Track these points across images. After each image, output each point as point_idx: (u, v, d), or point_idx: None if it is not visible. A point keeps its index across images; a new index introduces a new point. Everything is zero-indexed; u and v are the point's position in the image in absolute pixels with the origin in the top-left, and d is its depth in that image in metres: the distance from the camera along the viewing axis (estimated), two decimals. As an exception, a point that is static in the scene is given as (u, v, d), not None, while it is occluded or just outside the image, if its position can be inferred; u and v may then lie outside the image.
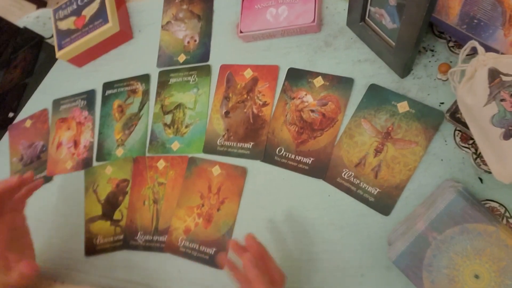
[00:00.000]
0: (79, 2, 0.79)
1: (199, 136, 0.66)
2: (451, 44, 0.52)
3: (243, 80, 0.65)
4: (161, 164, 0.68)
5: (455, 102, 0.47)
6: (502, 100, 0.39)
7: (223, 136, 0.64)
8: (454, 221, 0.43)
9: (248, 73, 0.65)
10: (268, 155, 0.60)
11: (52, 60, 0.87)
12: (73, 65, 0.83)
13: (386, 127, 0.53)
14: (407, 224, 0.47)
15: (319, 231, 0.54)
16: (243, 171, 0.61)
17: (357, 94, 0.56)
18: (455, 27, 0.47)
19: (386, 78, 0.55)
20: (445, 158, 0.49)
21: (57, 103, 0.83)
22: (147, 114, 0.72)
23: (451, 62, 0.52)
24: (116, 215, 0.69)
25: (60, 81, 0.85)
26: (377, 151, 0.53)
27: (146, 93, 0.74)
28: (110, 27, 0.75)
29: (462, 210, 0.43)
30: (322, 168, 0.56)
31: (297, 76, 0.61)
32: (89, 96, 0.80)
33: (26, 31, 0.91)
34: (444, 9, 0.47)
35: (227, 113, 0.65)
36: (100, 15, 0.76)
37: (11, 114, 0.89)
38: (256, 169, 0.61)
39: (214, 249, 0.60)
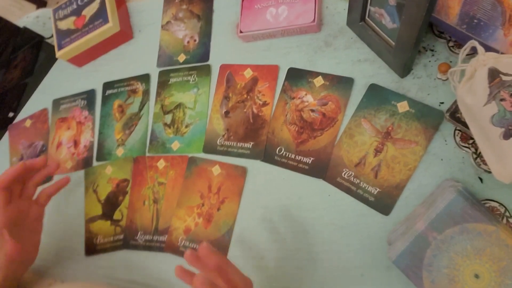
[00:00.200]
0: (79, 2, 0.79)
1: (199, 136, 0.66)
2: (451, 44, 0.52)
3: (243, 80, 0.65)
4: (161, 164, 0.68)
5: (455, 101, 0.47)
6: (502, 99, 0.39)
7: (223, 136, 0.64)
8: (454, 221, 0.43)
9: (248, 73, 0.65)
10: (268, 155, 0.60)
11: (52, 60, 0.87)
12: (73, 65, 0.83)
13: (386, 126, 0.53)
14: (407, 224, 0.47)
15: (319, 231, 0.54)
16: (243, 171, 0.61)
17: (357, 94, 0.56)
18: (455, 27, 0.47)
19: (386, 78, 0.55)
20: (445, 157, 0.49)
21: (57, 103, 0.83)
22: (147, 114, 0.72)
23: (451, 62, 0.52)
24: (116, 215, 0.69)
25: (60, 81, 0.85)
26: (377, 151, 0.53)
27: (146, 93, 0.74)
28: (110, 27, 0.75)
29: (462, 209, 0.43)
30: (322, 168, 0.56)
31: (297, 76, 0.61)
32: (89, 96, 0.80)
33: (26, 31, 0.91)
34: (444, 9, 0.47)
35: (227, 113, 0.65)
36: (100, 15, 0.76)
37: (11, 114, 0.89)
38: (256, 169, 0.61)
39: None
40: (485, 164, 0.46)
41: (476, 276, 0.41)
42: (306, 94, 0.60)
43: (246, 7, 0.66)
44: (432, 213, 0.44)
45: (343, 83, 0.58)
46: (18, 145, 0.85)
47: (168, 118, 0.70)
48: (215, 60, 0.69)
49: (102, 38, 0.77)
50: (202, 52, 0.70)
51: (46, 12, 0.90)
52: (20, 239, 0.57)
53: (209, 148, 0.65)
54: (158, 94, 0.72)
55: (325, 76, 0.59)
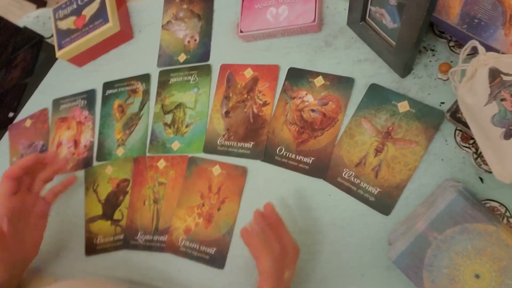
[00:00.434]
0: (79, 2, 0.79)
1: (199, 136, 0.66)
2: (451, 43, 0.52)
3: (244, 79, 0.65)
4: (161, 164, 0.68)
5: (456, 101, 0.47)
6: (502, 99, 0.39)
7: (224, 135, 0.64)
8: (454, 221, 0.43)
9: (249, 73, 0.65)
10: (268, 155, 0.60)
11: (52, 59, 0.87)
12: (73, 65, 0.83)
13: (387, 126, 0.53)
14: (407, 224, 0.47)
15: (319, 231, 0.54)
16: (243, 171, 0.61)
17: (358, 93, 0.56)
18: (456, 27, 0.47)
19: (387, 77, 0.55)
20: (445, 157, 0.49)
21: (57, 102, 0.83)
22: (147, 114, 0.72)
23: (451, 61, 0.52)
24: (116, 215, 0.69)
25: (60, 81, 0.85)
26: (378, 151, 0.53)
27: (146, 92, 0.74)
28: (111, 27, 0.75)
29: (463, 210, 0.43)
30: (322, 168, 0.56)
31: (297, 76, 0.61)
32: (89, 95, 0.80)
33: (26, 31, 0.91)
34: (445, 8, 0.47)
35: (227, 112, 0.65)
36: (100, 15, 0.76)
37: (11, 114, 0.89)
38: (257, 169, 0.61)
39: (214, 249, 0.60)
40: (486, 164, 0.46)
41: (477, 276, 0.41)
42: (306, 94, 0.60)
43: (247, 7, 0.66)
44: (432, 213, 0.44)
45: (343, 83, 0.58)
46: (18, 145, 0.85)
47: (168, 118, 0.70)
48: (216, 60, 0.69)
49: (102, 38, 0.77)
50: (202, 52, 0.70)
51: (46, 12, 0.90)
52: (22, 234, 0.57)
53: (209, 148, 0.65)
54: (158, 94, 0.72)
55: (325, 76, 0.59)
